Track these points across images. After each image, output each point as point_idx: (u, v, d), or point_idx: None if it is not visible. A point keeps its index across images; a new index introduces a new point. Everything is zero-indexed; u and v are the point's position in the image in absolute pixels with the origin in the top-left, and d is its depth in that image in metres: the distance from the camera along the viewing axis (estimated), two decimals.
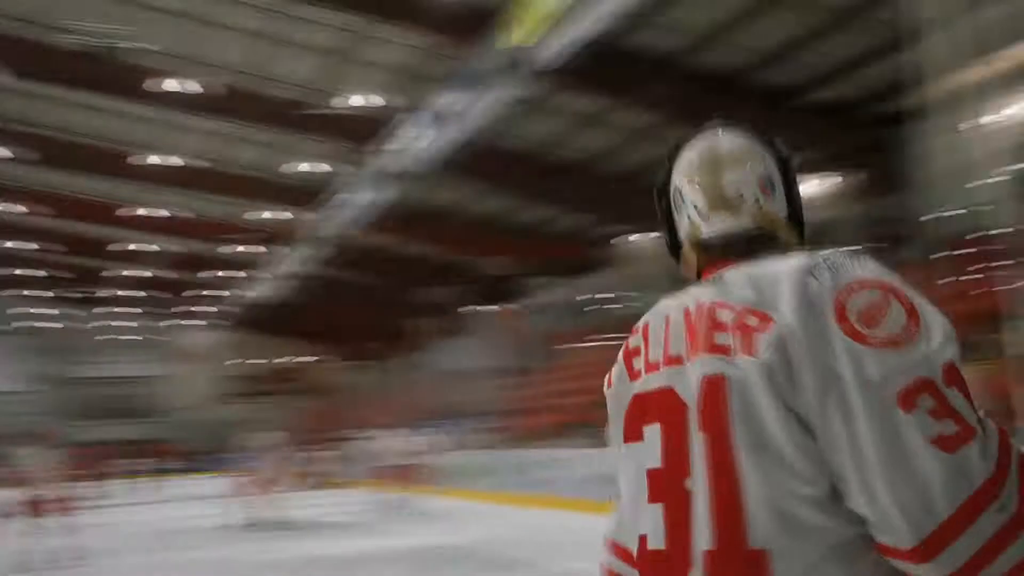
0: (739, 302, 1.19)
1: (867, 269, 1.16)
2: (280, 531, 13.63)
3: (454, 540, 11.17)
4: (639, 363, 1.34)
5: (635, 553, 1.30)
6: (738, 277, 1.23)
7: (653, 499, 1.26)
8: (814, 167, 18.87)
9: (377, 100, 20.50)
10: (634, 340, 1.37)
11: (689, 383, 1.21)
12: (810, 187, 20.71)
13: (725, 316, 1.19)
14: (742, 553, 1.13)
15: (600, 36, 13.59)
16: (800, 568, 1.10)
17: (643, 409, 1.31)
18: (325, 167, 25.58)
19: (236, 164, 26.05)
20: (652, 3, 14.06)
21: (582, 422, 16.77)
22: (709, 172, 1.36)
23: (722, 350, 1.18)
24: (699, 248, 1.37)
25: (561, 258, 28.24)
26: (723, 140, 1.38)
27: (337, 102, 20.60)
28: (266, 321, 40.15)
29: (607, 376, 1.41)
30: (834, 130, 18.18)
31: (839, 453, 1.08)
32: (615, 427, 1.38)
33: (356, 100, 20.55)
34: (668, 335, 1.29)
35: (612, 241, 26.75)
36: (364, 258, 33.72)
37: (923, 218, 16.90)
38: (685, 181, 1.39)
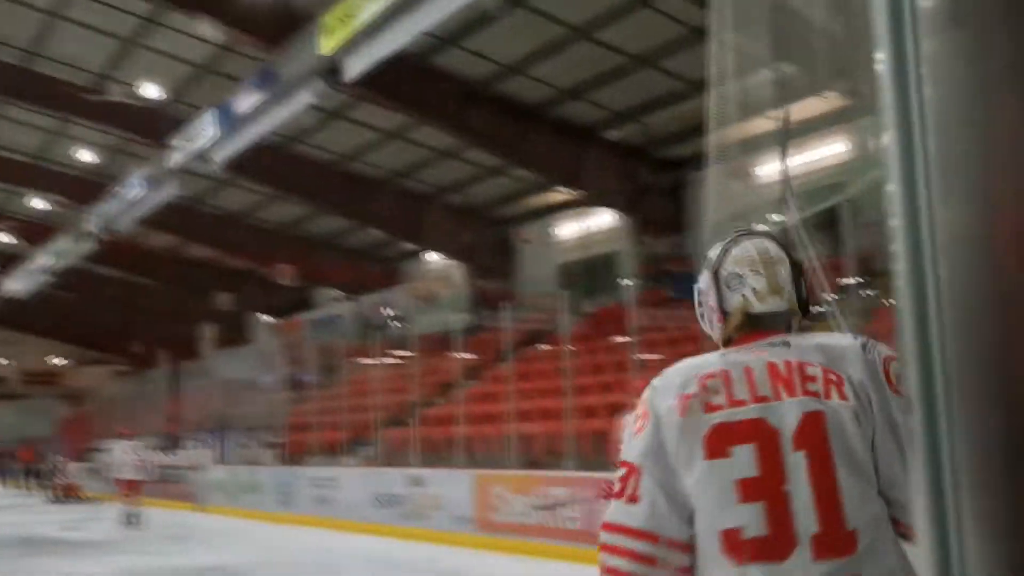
0: (818, 363, 1.81)
1: (888, 349, 1.82)
2: (24, 548, 12.45)
3: (213, 560, 10.61)
4: (719, 399, 1.81)
5: (718, 543, 1.74)
6: (806, 344, 1.86)
7: (749, 500, 1.73)
8: (601, 201, 19.71)
9: (167, 93, 19.39)
10: (712, 383, 1.84)
11: (782, 415, 1.76)
12: (596, 221, 21.61)
13: (813, 372, 1.80)
14: (842, 533, 1.71)
15: (408, 54, 13.56)
16: (871, 538, 1.72)
17: (729, 434, 1.77)
18: (105, 158, 23.94)
19: (7, 147, 23.91)
20: (461, 28, 14.21)
21: (359, 440, 16.52)
22: (768, 267, 1.92)
23: (815, 395, 1.77)
24: (747, 318, 1.91)
25: (350, 273, 27.88)
26: (769, 245, 1.95)
27: (124, 91, 19.29)
28: (22, 318, 36.92)
29: (676, 407, 1.84)
30: (620, 169, 19.06)
31: (893, 465, 1.76)
32: (685, 447, 1.80)
33: (145, 91, 19.32)
34: (753, 380, 1.81)
35: (403, 259, 26.75)
36: (139, 258, 31.86)
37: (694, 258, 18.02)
38: (748, 270, 1.92)
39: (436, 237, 23.53)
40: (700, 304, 2.07)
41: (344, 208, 23.67)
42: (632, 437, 1.89)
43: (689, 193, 19.01)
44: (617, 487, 1.87)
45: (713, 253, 2.01)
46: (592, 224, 21.76)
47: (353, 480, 13.37)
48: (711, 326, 2.00)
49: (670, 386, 1.87)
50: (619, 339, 16.01)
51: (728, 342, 1.92)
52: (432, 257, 25.91)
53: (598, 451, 12.01)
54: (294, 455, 17.30)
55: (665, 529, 1.80)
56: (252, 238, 27.15)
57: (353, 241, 27.70)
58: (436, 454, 14.15)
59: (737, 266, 1.92)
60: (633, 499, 1.83)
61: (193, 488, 18.40)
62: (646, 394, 1.92)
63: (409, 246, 25.40)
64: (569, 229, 22.41)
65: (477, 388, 16.81)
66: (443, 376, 18.86)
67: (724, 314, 1.94)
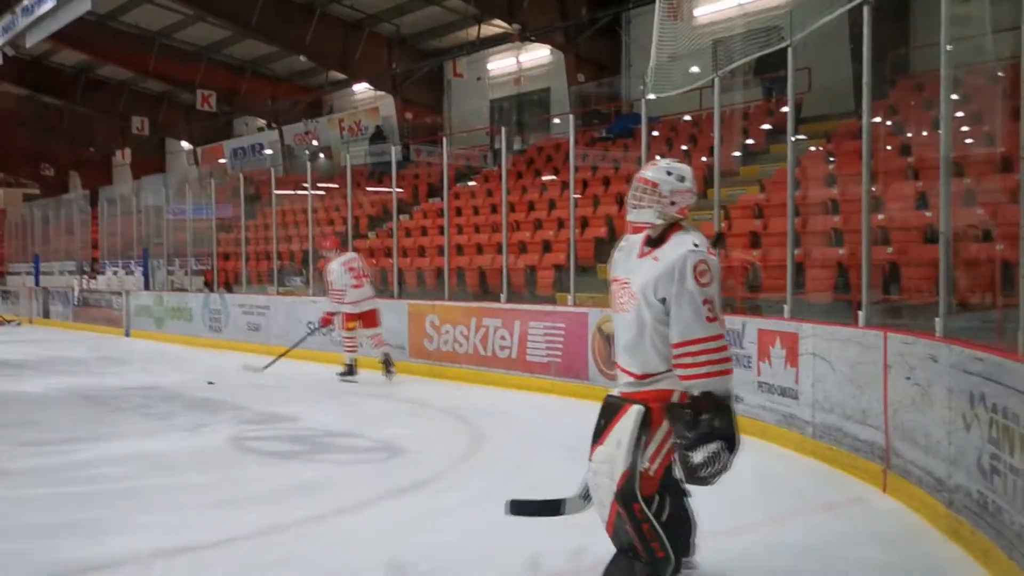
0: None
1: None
2: None
3: (148, 380, 10.78)
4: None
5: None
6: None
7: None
8: (537, 37, 19.36)
9: None
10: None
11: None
12: (530, 57, 21.28)
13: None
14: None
15: None
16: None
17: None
18: None
19: None
20: None
21: (288, 270, 16.57)
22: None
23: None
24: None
25: (274, 100, 27.06)
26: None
27: None
28: None
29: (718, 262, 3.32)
30: (558, 3, 18.67)
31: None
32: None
33: None
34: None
35: (330, 89, 26.01)
36: (49, 77, 30.29)
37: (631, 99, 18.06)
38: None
39: (365, 67, 22.90)
40: (661, 192, 3.29)
41: (268, 32, 22.74)
42: (711, 281, 3.19)
43: (624, 34, 18.82)
44: (712, 314, 3.19)
45: (687, 173, 3.36)
46: (525, 60, 21.42)
47: (285, 308, 13.51)
48: (666, 209, 3.32)
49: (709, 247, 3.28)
50: (550, 176, 16.18)
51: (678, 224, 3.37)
52: (360, 88, 25.27)
53: (529, 284, 12.38)
54: (222, 284, 17.30)
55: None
56: (171, 60, 26.01)
57: (278, 68, 26.76)
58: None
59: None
60: (720, 320, 3.22)
61: (119, 314, 18.34)
62: (708, 254, 3.25)
63: (336, 75, 24.68)
64: (502, 64, 22.03)
65: (408, 222, 16.89)
66: (371, 209, 18.85)
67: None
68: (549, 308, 9.85)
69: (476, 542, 4.36)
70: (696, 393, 3.18)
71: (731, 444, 3.14)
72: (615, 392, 3.40)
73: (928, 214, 8.88)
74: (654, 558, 3.12)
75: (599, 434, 3.32)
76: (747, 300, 8.94)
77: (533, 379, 9.44)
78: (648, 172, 3.35)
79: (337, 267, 10.51)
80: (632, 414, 3.24)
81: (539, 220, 14.15)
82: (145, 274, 18.91)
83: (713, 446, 3.12)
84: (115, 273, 20.87)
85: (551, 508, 3.48)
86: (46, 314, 22.21)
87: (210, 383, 10.43)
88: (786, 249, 7.40)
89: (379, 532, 4.60)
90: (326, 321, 11.01)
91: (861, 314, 5.88)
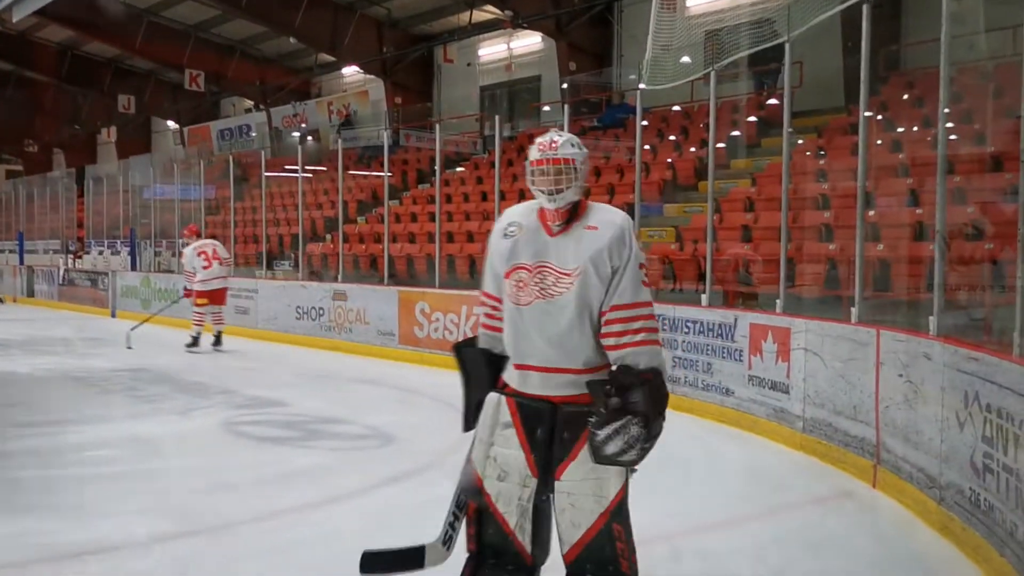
0: None
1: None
2: None
3: (136, 362, 10.73)
4: None
5: None
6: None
7: None
8: (529, 24, 19.30)
9: None
10: None
11: None
12: (521, 44, 21.22)
13: None
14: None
15: None
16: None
17: None
18: None
19: None
20: None
21: (275, 254, 16.51)
22: None
23: None
24: None
25: (263, 81, 26.87)
26: None
27: None
28: None
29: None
30: None
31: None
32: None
33: None
34: None
35: (320, 71, 25.86)
36: (34, 52, 29.95)
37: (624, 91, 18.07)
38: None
39: (355, 50, 22.77)
40: (578, 167, 2.87)
41: (258, 12, 22.57)
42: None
43: (617, 23, 18.79)
44: (646, 279, 2.92)
45: (576, 141, 2.96)
46: (517, 47, 21.35)
47: (274, 292, 13.47)
48: (583, 182, 2.90)
49: None
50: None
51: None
52: (350, 71, 25.13)
53: None
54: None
55: None
56: (158, 38, 25.76)
57: (267, 49, 26.55)
58: (356, 270, 14.32)
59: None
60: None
61: (105, 294, 18.23)
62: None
63: (326, 58, 24.53)
64: (493, 51, 21.95)
65: (397, 207, 16.85)
66: (359, 194, 18.79)
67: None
68: None
69: None
70: (627, 363, 2.81)
71: (646, 422, 2.73)
72: (534, 393, 2.89)
73: (919, 211, 8.94)
74: (634, 570, 2.89)
75: (563, 450, 2.84)
76: (740, 294, 8.98)
77: None
78: (560, 151, 2.89)
79: (189, 251, 12.11)
80: None
81: None
82: (132, 254, 18.79)
83: (620, 422, 2.72)
84: (100, 253, 20.74)
85: (411, 560, 3.03)
86: (31, 293, 22.04)
87: (129, 348, 11.78)
88: (776, 243, 7.45)
89: (373, 520, 4.62)
90: (186, 294, 12.41)
91: (854, 311, 5.92)
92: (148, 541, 4.16)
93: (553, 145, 2.90)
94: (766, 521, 4.73)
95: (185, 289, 12.42)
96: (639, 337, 2.82)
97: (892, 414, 5.13)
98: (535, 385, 2.89)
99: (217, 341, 11.96)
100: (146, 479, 5.40)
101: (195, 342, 11.88)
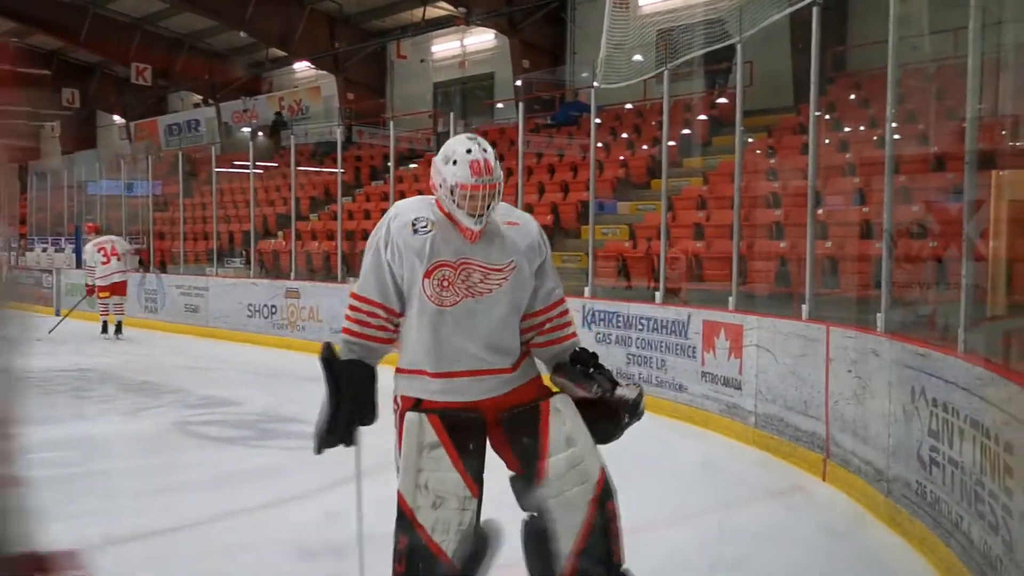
0: None
1: None
2: None
3: (82, 361, 10.54)
4: None
5: None
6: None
7: None
8: (482, 21, 19.30)
9: None
10: None
11: None
12: (474, 41, 21.20)
13: None
14: None
15: None
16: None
17: None
18: None
19: None
20: None
21: (226, 251, 16.31)
22: None
23: None
24: None
25: (212, 76, 26.49)
26: None
27: None
28: None
29: None
30: None
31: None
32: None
33: None
34: None
35: (270, 66, 25.56)
36: None
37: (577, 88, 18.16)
38: None
39: (306, 45, 22.57)
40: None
41: (206, 5, 22.26)
42: None
43: (570, 21, 18.87)
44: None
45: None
46: (470, 44, 21.33)
47: (225, 289, 13.31)
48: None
49: None
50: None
51: None
52: (301, 66, 24.89)
53: None
54: (158, 263, 16.96)
55: None
56: (104, 31, 25.27)
57: (216, 43, 26.18)
58: (310, 267, 14.20)
59: None
60: None
61: (49, 292, 17.84)
62: None
63: (277, 53, 24.26)
64: (446, 47, 21.90)
65: (350, 204, 16.74)
66: (312, 191, 18.64)
67: None
68: None
69: None
70: (577, 349, 2.90)
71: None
72: (461, 401, 2.76)
73: (866, 209, 9.13)
74: (622, 557, 2.77)
75: (530, 452, 2.73)
76: (692, 291, 9.09)
77: None
78: (496, 174, 2.66)
79: (90, 248, 13.04)
80: (563, 405, 2.77)
81: None
82: (77, 252, 18.41)
83: (628, 383, 2.85)
84: (44, 250, 20.29)
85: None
86: None
87: (50, 331, 12.56)
88: (728, 241, 7.55)
89: (332, 519, 4.59)
90: (89, 291, 13.30)
91: (804, 308, 6.04)
92: (101, 543, 4.09)
93: (488, 167, 2.63)
94: (721, 514, 4.81)
95: (87, 285, 13.28)
96: (572, 328, 2.94)
97: (841, 409, 5.25)
98: (462, 392, 2.73)
99: (118, 330, 12.99)
100: (97, 480, 5.32)
101: (104, 328, 13.08)
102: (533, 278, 2.80)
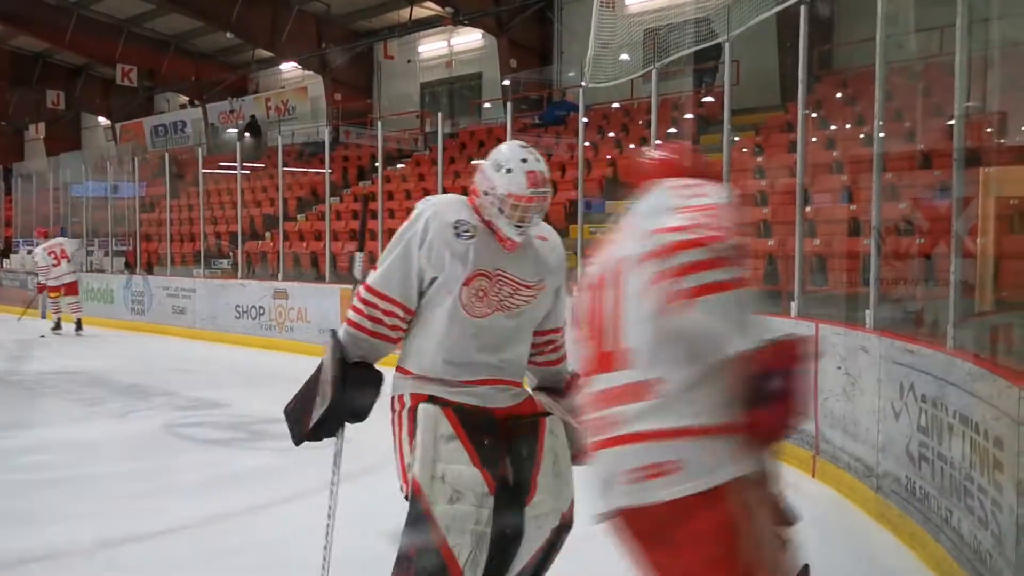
0: None
1: None
2: None
3: (71, 364, 10.48)
4: None
5: None
6: None
7: None
8: (469, 21, 19.30)
9: None
10: None
11: None
12: (461, 41, 21.20)
13: None
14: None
15: None
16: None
17: None
18: None
19: None
20: None
21: (213, 252, 16.25)
22: None
23: None
24: None
25: (198, 77, 26.38)
26: None
27: None
28: None
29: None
30: None
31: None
32: None
33: None
34: None
35: (257, 67, 25.48)
36: None
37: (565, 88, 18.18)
38: None
39: (293, 46, 22.51)
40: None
41: (193, 6, 22.18)
42: None
43: (557, 20, 18.89)
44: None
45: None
46: (457, 44, 21.33)
47: (212, 291, 13.26)
48: None
49: None
50: (480, 161, 16.19)
51: None
52: (288, 67, 24.83)
53: None
54: (145, 265, 16.89)
55: None
56: (89, 32, 25.12)
57: (202, 44, 26.08)
58: (297, 268, 14.18)
59: None
60: None
61: (34, 295, 17.72)
62: None
63: (264, 54, 24.19)
64: (433, 47, 21.89)
65: (338, 205, 16.71)
66: (299, 191, 18.59)
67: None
68: None
69: None
70: (567, 372, 2.86)
71: None
72: (474, 404, 2.60)
73: (853, 207, 9.17)
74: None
75: (526, 468, 2.59)
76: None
77: None
78: (549, 187, 2.63)
79: (40, 251, 13.73)
80: (556, 428, 2.68)
81: None
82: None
83: None
84: (29, 252, 20.14)
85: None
86: None
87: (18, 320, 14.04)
88: None
89: (321, 522, 4.58)
90: (40, 289, 14.07)
91: (793, 305, 6.07)
92: (93, 547, 4.08)
93: (544, 180, 2.56)
94: None
95: (39, 284, 14.04)
96: (565, 350, 2.86)
97: (831, 406, 5.27)
98: (479, 397, 2.61)
99: (78, 327, 13.63)
100: (88, 484, 5.29)
101: (58, 325, 13.82)
102: (551, 298, 2.72)
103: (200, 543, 4.23)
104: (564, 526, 2.62)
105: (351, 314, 2.62)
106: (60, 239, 14.29)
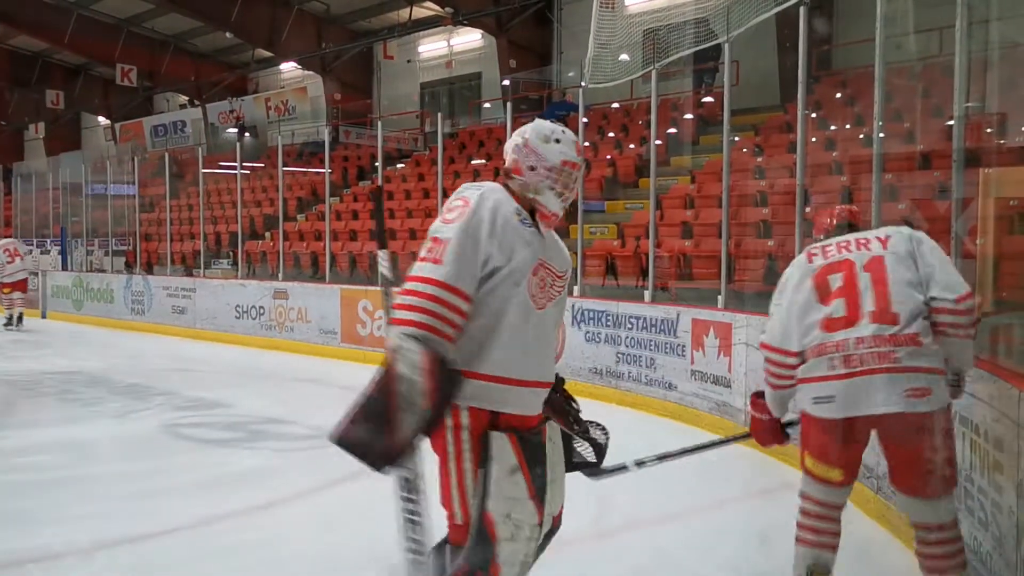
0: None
1: None
2: None
3: (69, 364, 10.47)
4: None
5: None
6: None
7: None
8: (469, 21, 19.29)
9: None
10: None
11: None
12: (461, 41, 21.20)
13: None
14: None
15: None
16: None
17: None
18: None
19: None
20: None
21: (213, 252, 16.26)
22: None
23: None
24: None
25: (198, 76, 26.38)
26: None
27: None
28: None
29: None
30: None
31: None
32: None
33: None
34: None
35: (257, 67, 25.47)
36: None
37: (565, 88, 18.17)
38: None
39: (293, 46, 22.52)
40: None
41: (193, 6, 22.18)
42: None
43: (557, 21, 18.88)
44: None
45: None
46: (457, 44, 21.33)
47: (212, 291, 13.25)
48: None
49: None
50: (481, 161, 16.20)
51: None
52: (288, 67, 24.83)
53: None
54: (145, 265, 16.89)
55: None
56: (89, 32, 25.13)
57: (201, 44, 26.09)
58: (298, 268, 14.18)
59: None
60: None
61: (35, 294, 17.72)
62: None
63: (263, 53, 24.19)
64: (433, 48, 21.89)
65: (338, 205, 16.71)
66: (299, 191, 18.59)
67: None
68: None
69: None
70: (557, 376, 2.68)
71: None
72: (530, 414, 2.51)
73: (853, 207, 9.16)
74: None
75: (559, 485, 2.62)
76: (681, 289, 9.12)
77: None
78: (576, 155, 2.57)
79: None
80: (554, 435, 2.66)
81: None
82: (63, 254, 18.32)
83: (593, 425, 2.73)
84: (30, 252, 20.14)
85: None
86: None
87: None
88: (717, 240, 7.57)
89: (320, 522, 4.59)
90: None
91: None
92: (91, 548, 4.08)
93: (580, 147, 2.57)
94: (713, 514, 4.82)
95: None
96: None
97: None
98: (535, 404, 2.50)
99: (19, 320, 14.36)
100: (86, 484, 5.28)
101: (9, 321, 14.31)
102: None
103: (199, 544, 4.22)
104: (554, 529, 2.59)
105: (415, 315, 2.29)
106: (12, 239, 15.50)
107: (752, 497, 5.25)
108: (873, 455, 4.65)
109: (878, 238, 3.21)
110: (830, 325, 3.08)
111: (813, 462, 3.31)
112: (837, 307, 3.08)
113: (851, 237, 3.27)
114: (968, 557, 3.48)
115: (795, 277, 3.29)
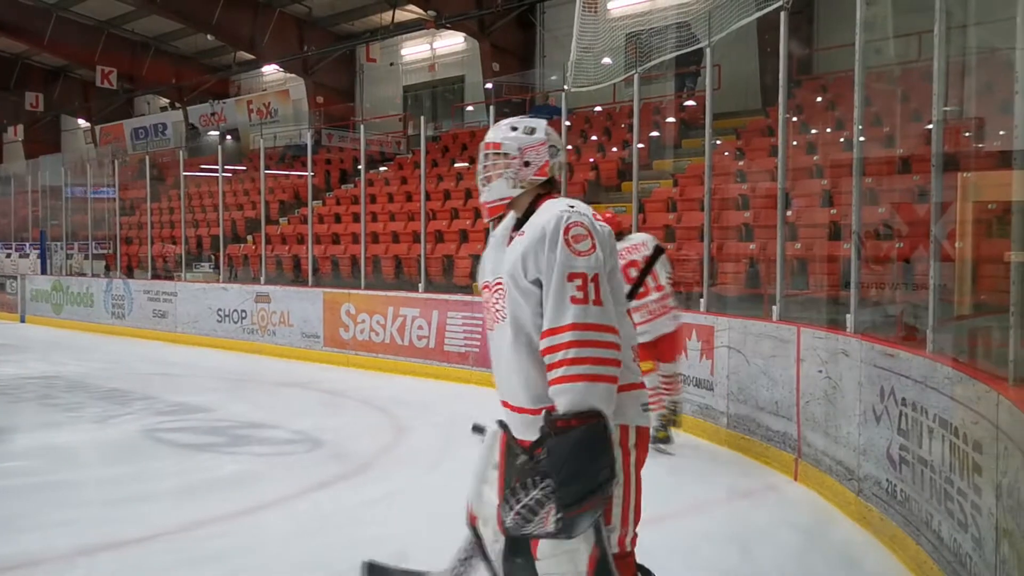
0: None
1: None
2: None
3: (49, 369, 10.39)
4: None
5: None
6: None
7: None
8: (452, 24, 19.28)
9: None
10: None
11: None
12: (444, 44, 21.19)
13: None
14: None
15: None
16: None
17: None
18: None
19: None
20: None
21: (194, 255, 16.16)
22: None
23: None
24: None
25: (179, 79, 26.25)
26: None
27: None
28: None
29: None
30: None
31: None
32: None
33: None
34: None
35: (239, 70, 25.37)
36: None
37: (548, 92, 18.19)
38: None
39: (275, 48, 22.44)
40: (509, 154, 2.41)
41: (173, 8, 22.06)
42: (590, 250, 2.25)
43: (539, 24, 18.91)
44: (584, 294, 2.20)
45: (538, 125, 2.49)
46: (440, 47, 21.32)
47: (193, 294, 13.18)
48: (521, 172, 2.41)
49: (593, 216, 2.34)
50: (464, 164, 16.19)
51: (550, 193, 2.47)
52: (270, 69, 24.74)
53: (447, 273, 12.40)
54: (125, 268, 16.77)
55: None
56: (68, 34, 24.96)
57: (183, 46, 25.96)
58: (280, 272, 14.13)
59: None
60: (603, 305, 2.23)
61: (14, 298, 17.58)
62: (592, 219, 2.32)
63: (245, 56, 24.10)
64: (416, 51, 21.88)
65: (320, 208, 16.65)
66: (281, 194, 18.52)
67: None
68: (468, 298, 9.88)
69: (402, 536, 4.37)
70: (557, 406, 2.19)
71: (554, 487, 2.10)
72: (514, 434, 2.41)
73: (833, 211, 9.23)
74: None
75: None
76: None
77: (451, 369, 9.46)
78: (489, 135, 2.47)
79: None
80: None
81: (455, 209, 14.15)
82: (42, 257, 18.17)
83: (518, 484, 2.16)
84: (8, 256, 19.99)
85: None
86: None
87: None
88: (698, 243, 7.59)
89: (303, 526, 4.57)
90: None
91: (775, 309, 6.09)
92: (71, 554, 4.04)
93: (496, 129, 2.49)
94: (695, 516, 4.84)
95: None
96: (561, 371, 2.17)
97: (812, 409, 5.30)
98: (514, 427, 2.39)
99: None
100: (66, 490, 5.24)
101: None
102: (528, 300, 2.28)
103: (180, 549, 4.19)
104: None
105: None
106: None
107: (733, 499, 5.27)
108: (853, 455, 4.68)
109: None
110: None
111: None
112: None
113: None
114: (948, 558, 3.51)
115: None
